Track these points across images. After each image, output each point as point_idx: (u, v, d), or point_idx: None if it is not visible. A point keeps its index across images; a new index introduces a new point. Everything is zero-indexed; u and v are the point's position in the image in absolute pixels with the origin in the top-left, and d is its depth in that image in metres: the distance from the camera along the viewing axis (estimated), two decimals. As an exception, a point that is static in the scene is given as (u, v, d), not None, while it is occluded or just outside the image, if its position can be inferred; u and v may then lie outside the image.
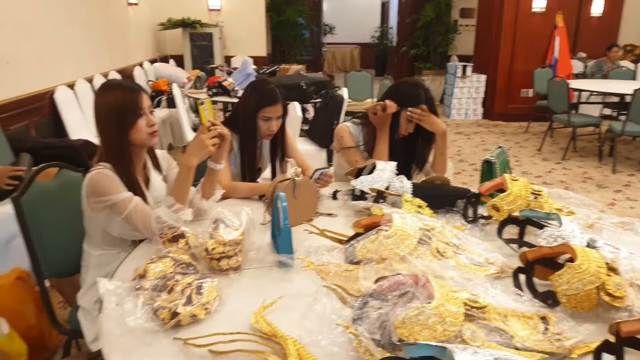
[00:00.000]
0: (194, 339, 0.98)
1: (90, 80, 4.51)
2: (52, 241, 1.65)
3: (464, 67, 7.31)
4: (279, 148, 2.08)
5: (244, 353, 0.94)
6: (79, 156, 3.13)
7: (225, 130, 1.56)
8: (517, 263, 1.21)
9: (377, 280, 1.03)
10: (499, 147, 2.15)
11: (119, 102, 1.50)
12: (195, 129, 4.36)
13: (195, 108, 5.35)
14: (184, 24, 6.87)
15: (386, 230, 1.22)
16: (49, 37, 3.94)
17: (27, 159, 2.51)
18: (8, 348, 1.65)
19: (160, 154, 1.73)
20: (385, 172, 1.65)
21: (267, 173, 2.16)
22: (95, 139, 3.44)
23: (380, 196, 1.60)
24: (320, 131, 3.87)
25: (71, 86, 4.14)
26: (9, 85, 3.36)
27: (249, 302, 1.14)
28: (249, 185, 1.92)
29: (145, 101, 1.54)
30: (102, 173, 1.47)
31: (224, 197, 1.77)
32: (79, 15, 4.53)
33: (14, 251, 1.96)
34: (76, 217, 1.67)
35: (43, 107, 3.77)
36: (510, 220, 1.45)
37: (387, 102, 1.94)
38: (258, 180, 2.08)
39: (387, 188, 1.62)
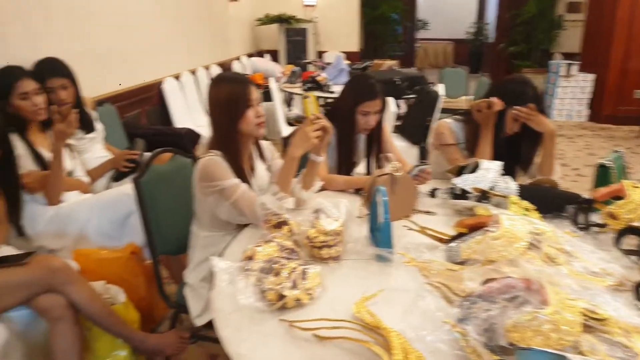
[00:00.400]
0: (300, 322, 1.02)
1: (193, 72, 4.80)
2: (164, 221, 1.79)
3: (569, 66, 6.82)
4: (375, 143, 2.08)
5: (348, 340, 0.96)
6: (182, 143, 3.35)
7: (328, 124, 1.60)
8: (638, 276, 1.12)
9: (485, 282, 1.00)
10: (615, 151, 1.99)
11: (230, 94, 1.59)
12: (289, 122, 4.49)
13: (289, 102, 5.51)
14: (280, 19, 7.07)
15: (493, 232, 1.18)
16: (160, 33, 4.24)
17: (141, 144, 2.73)
18: (124, 315, 1.81)
19: (265, 144, 1.81)
20: (490, 172, 1.59)
21: (360, 168, 2.18)
22: (197, 128, 3.69)
23: (483, 196, 1.55)
24: (412, 128, 3.81)
25: (177, 77, 4.42)
26: (126, 77, 3.67)
27: (349, 292, 1.16)
28: (345, 178, 1.95)
29: (254, 93, 1.62)
30: (214, 160, 1.57)
31: (322, 189, 1.81)
32: (186, 12, 4.84)
33: (130, 228, 2.14)
34: (186, 200, 1.80)
35: (153, 97, 4.07)
36: (629, 229, 1.34)
37: (493, 99, 1.87)
38: (352, 174, 2.10)
39: (491, 189, 1.56)
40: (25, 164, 2.03)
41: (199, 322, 1.66)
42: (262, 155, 1.79)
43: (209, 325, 1.70)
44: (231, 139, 1.60)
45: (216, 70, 5.34)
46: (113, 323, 1.74)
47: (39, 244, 2.08)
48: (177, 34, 4.63)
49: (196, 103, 4.69)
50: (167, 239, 1.81)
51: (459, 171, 1.72)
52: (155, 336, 1.82)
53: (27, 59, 2.31)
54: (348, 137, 1.99)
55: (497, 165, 1.65)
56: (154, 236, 1.76)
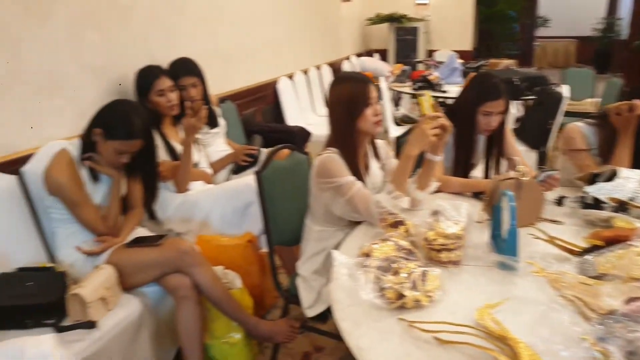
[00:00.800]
0: (420, 323, 1.01)
1: (305, 72, 4.95)
2: (280, 213, 1.86)
3: None
4: (496, 145, 1.99)
5: (471, 347, 0.93)
6: (294, 140, 3.47)
7: (447, 122, 1.56)
8: None
9: (628, 301, 0.91)
10: None
11: (350, 92, 1.61)
12: (397, 122, 4.45)
13: (397, 101, 5.46)
14: (391, 18, 7.03)
15: (638, 247, 1.07)
16: (276, 34, 4.43)
17: (259, 140, 2.88)
18: (239, 300, 1.92)
19: (380, 143, 1.81)
20: (630, 182, 1.45)
21: (477, 171, 2.09)
22: (307, 126, 3.80)
23: (621, 208, 1.41)
24: (531, 131, 3.58)
25: (290, 77, 4.59)
26: (245, 76, 3.88)
27: (470, 298, 1.13)
28: (463, 180, 1.88)
29: (374, 92, 1.63)
30: (331, 157, 1.60)
31: (437, 190, 1.77)
32: (301, 13, 5.00)
33: (249, 217, 2.26)
34: (302, 195, 1.86)
35: (268, 95, 4.27)
36: None
37: (636, 101, 1.70)
38: (468, 176, 2.03)
39: (631, 199, 1.42)
40: (159, 154, 2.23)
41: (310, 313, 1.71)
42: (376, 154, 1.79)
43: (318, 317, 1.75)
44: (349, 136, 1.62)
45: (327, 70, 5.45)
46: (231, 307, 1.85)
47: (168, 227, 2.28)
48: (292, 34, 4.80)
49: (307, 102, 4.82)
50: (282, 230, 1.88)
51: (592, 179, 1.58)
52: (267, 323, 1.91)
53: (164, 59, 2.54)
54: (467, 138, 1.93)
55: (639, 174, 1.49)
56: (271, 227, 1.84)
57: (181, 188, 2.30)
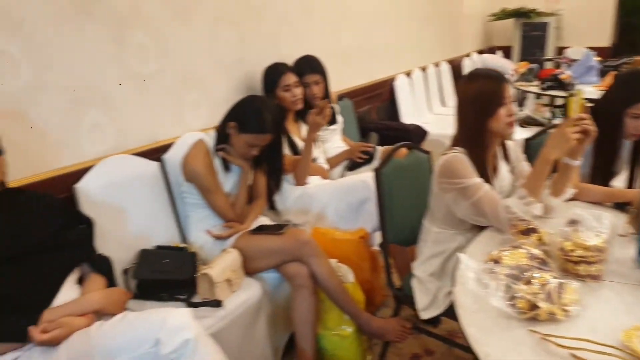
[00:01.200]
0: (556, 337, 0.94)
1: (424, 69, 4.84)
2: (397, 212, 1.85)
3: None
4: (644, 152, 1.78)
5: (617, 371, 0.85)
6: (410, 139, 3.42)
7: (592, 127, 1.43)
8: None
9: None
10: None
11: (483, 90, 1.55)
12: (520, 124, 4.18)
13: (520, 102, 5.13)
14: (518, 13, 6.61)
15: None
16: (395, 31, 4.40)
17: (375, 138, 2.89)
18: (351, 293, 1.95)
19: (511, 145, 1.71)
20: None
21: (619, 180, 1.89)
22: (423, 125, 3.72)
23: None
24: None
25: (408, 75, 4.52)
26: (363, 73, 3.91)
27: (613, 316, 1.03)
28: (604, 189, 1.72)
29: (508, 91, 1.55)
30: (458, 157, 1.55)
31: (572, 198, 1.63)
32: (420, 9, 4.90)
33: (363, 214, 2.28)
34: (421, 194, 1.83)
35: (384, 93, 4.25)
36: None
37: None
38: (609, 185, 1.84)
39: None
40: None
41: (424, 315, 1.68)
42: (506, 156, 1.70)
43: (430, 320, 1.71)
44: (478, 136, 1.56)
45: (446, 68, 5.29)
46: (344, 300, 1.88)
47: (286, 218, 2.38)
48: (412, 32, 4.73)
49: (423, 100, 4.72)
50: (398, 229, 1.86)
51: None
52: (379, 320, 1.91)
53: (290, 56, 2.65)
54: (610, 143, 1.75)
55: None
56: (387, 225, 1.84)
57: (300, 181, 2.38)
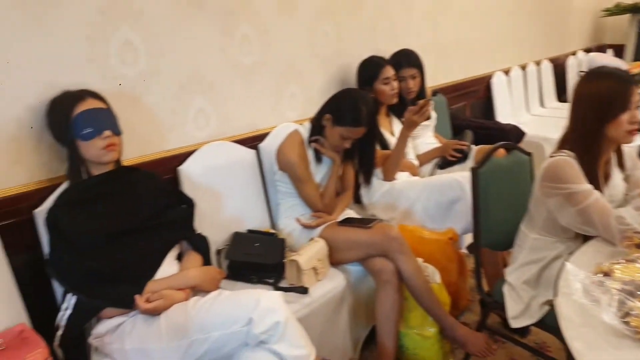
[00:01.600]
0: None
1: (523, 68, 4.58)
2: (493, 214, 1.77)
3: None
4: None
5: None
6: (506, 139, 3.25)
7: None
8: None
9: None
10: None
11: (606, 91, 1.42)
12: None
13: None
14: (636, 8, 6.03)
15: None
16: (495, 25, 4.19)
17: (470, 136, 2.78)
18: (437, 294, 1.90)
19: (628, 151, 1.57)
20: None
21: None
22: (520, 125, 3.53)
23: None
24: None
25: (506, 72, 4.31)
26: (459, 69, 3.78)
27: None
28: None
29: (635, 95, 1.41)
30: (567, 160, 1.45)
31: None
32: (527, 3, 4.63)
33: (453, 214, 2.21)
34: (519, 197, 1.74)
35: (479, 90, 4.08)
36: None
37: None
38: None
39: None
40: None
41: (514, 324, 1.60)
42: (621, 163, 1.56)
43: (518, 329, 1.63)
44: (592, 141, 1.44)
45: (547, 66, 4.96)
46: (430, 300, 1.84)
47: (371, 212, 2.37)
48: (515, 27, 4.49)
49: (521, 99, 4.48)
50: (492, 232, 1.79)
51: None
52: (465, 328, 1.84)
53: (386, 50, 2.63)
54: None
55: None
56: (481, 227, 1.77)
57: (389, 176, 2.36)
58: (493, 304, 1.75)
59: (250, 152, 2.13)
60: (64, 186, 1.50)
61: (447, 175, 2.32)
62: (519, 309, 1.60)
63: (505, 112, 4.09)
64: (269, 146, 2.16)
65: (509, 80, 4.29)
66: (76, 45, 1.58)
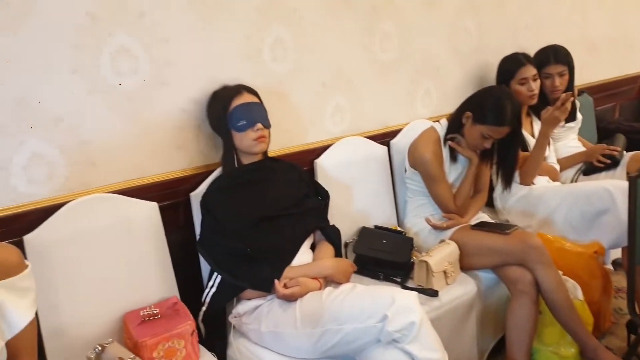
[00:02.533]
0: None
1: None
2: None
3: None
4: None
5: None
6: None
7: None
8: None
9: None
10: None
11: None
12: None
13: None
14: None
15: None
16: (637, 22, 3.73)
17: (622, 141, 2.52)
18: (580, 313, 1.74)
19: None
20: None
21: None
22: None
23: None
24: None
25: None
26: (610, 66, 3.43)
27: None
28: None
29: None
30: None
31: None
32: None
33: (600, 226, 2.00)
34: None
35: (632, 90, 3.66)
36: None
37: None
38: None
39: None
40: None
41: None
42: None
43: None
44: None
45: None
46: (571, 317, 1.70)
47: (504, 217, 2.24)
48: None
49: None
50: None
51: None
52: (611, 354, 1.66)
53: (528, 47, 2.47)
54: None
55: None
56: (636, 242, 1.58)
57: (527, 180, 2.21)
58: (646, 330, 1.57)
59: (382, 148, 2.14)
60: (216, 173, 1.64)
61: (595, 183, 2.12)
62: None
63: (663, 116, 3.63)
64: (399, 143, 2.15)
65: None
66: (236, 43, 1.70)
